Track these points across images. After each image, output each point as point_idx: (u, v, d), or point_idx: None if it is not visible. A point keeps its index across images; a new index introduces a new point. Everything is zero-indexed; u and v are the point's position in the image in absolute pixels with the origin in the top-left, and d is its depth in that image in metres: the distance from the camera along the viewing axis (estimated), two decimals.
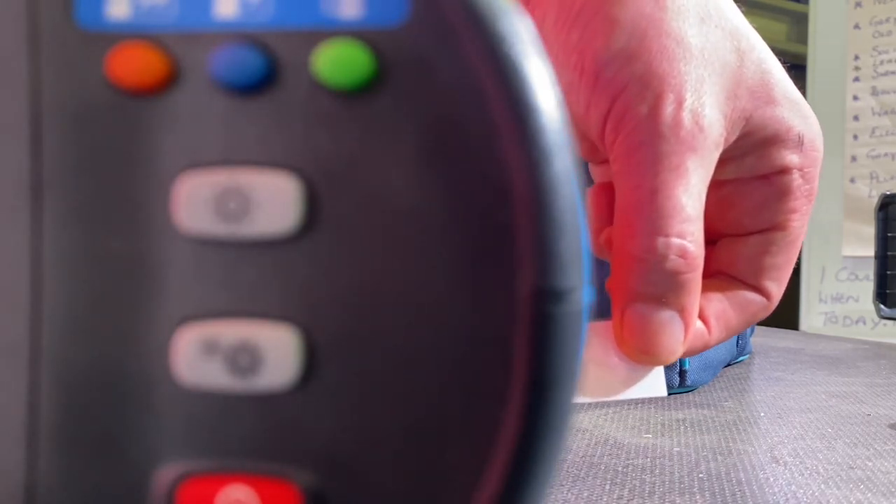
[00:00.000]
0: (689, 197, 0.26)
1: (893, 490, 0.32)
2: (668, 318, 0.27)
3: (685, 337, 0.28)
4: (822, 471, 0.34)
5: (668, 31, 0.27)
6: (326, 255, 0.15)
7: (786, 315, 2.08)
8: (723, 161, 0.28)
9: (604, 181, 0.33)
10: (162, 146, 0.15)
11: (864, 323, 2.16)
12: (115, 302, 0.15)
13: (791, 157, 0.30)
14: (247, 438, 0.15)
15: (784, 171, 0.30)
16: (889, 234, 0.76)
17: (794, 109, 0.29)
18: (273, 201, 0.15)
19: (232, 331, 0.15)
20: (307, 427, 0.15)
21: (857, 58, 2.30)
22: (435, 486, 0.15)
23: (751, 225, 0.30)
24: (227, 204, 0.15)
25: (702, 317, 0.29)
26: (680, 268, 0.26)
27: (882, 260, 0.76)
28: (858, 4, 2.33)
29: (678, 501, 0.30)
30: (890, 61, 2.27)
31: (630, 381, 0.29)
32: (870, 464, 0.35)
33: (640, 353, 0.28)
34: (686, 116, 0.26)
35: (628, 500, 0.30)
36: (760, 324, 0.75)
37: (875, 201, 0.77)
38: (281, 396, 0.15)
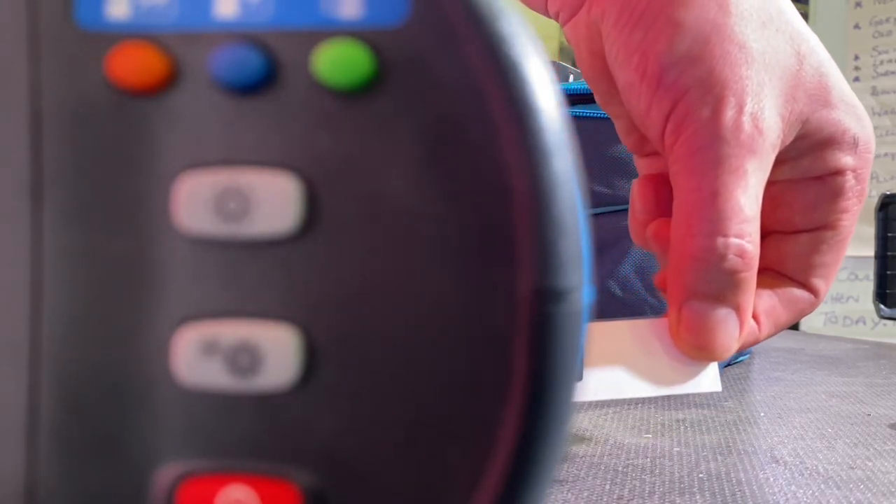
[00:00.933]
0: (747, 198, 0.27)
1: (893, 490, 0.32)
2: (724, 316, 0.28)
3: (740, 333, 0.29)
4: (822, 471, 0.34)
5: (730, 36, 0.28)
6: (326, 255, 0.15)
7: None
8: (778, 162, 0.29)
9: (650, 173, 0.34)
10: (162, 146, 0.15)
11: (864, 323, 2.16)
12: (115, 302, 0.15)
13: (846, 159, 0.30)
14: (247, 438, 0.15)
15: (838, 172, 0.30)
16: (889, 234, 0.76)
17: (849, 112, 0.30)
18: (273, 201, 0.15)
19: (232, 331, 0.15)
20: (307, 427, 0.15)
21: (857, 58, 2.30)
22: (435, 486, 0.15)
23: (801, 223, 0.31)
24: (227, 204, 0.15)
25: (752, 313, 0.30)
26: (738, 267, 0.27)
27: (882, 260, 0.76)
28: (858, 4, 2.33)
29: (678, 501, 0.30)
30: (890, 61, 2.27)
31: (684, 377, 0.30)
32: (870, 464, 0.35)
33: (697, 349, 0.29)
34: (746, 120, 0.27)
35: (628, 500, 0.30)
36: None
37: (875, 201, 0.77)
38: (281, 396, 0.15)
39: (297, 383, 0.15)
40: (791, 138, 0.29)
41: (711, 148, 0.27)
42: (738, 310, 0.28)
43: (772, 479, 0.33)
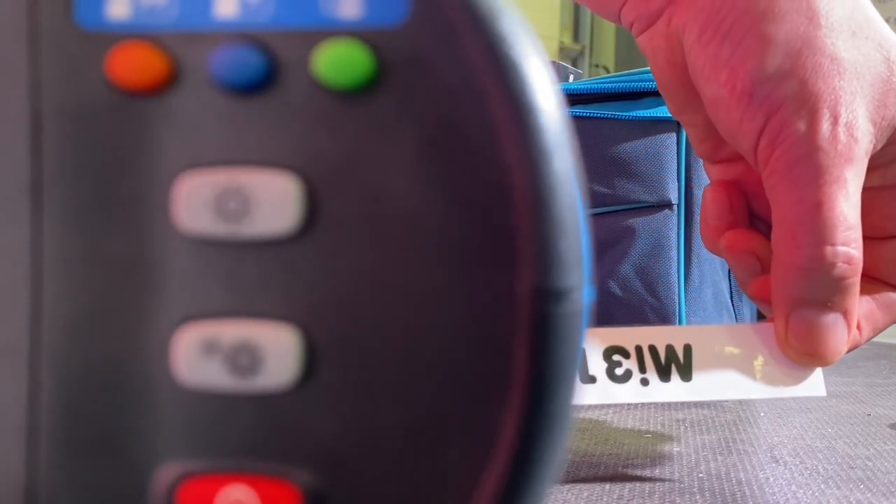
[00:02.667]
0: (849, 206, 0.28)
1: (893, 490, 0.32)
2: (832, 321, 0.29)
3: (848, 337, 0.29)
4: (822, 471, 0.34)
5: (822, 49, 0.28)
6: (326, 255, 0.15)
7: None
8: (869, 169, 0.30)
9: (722, 179, 0.34)
10: (162, 146, 0.15)
11: None
12: (115, 302, 0.15)
13: None
14: (247, 438, 0.15)
15: None
16: None
17: None
18: (273, 201, 0.15)
19: (232, 331, 0.15)
20: (307, 427, 0.15)
21: None
22: (435, 486, 0.15)
23: (893, 229, 0.32)
24: (227, 204, 0.15)
25: None
26: (846, 273, 0.28)
27: None
28: None
29: (678, 501, 0.30)
30: None
31: (791, 380, 0.31)
32: (870, 464, 0.35)
33: (807, 355, 0.30)
34: (841, 131, 0.28)
35: (628, 500, 0.30)
36: None
37: None
38: (281, 396, 0.15)
39: (297, 383, 0.15)
40: (882, 144, 0.30)
41: (810, 159, 0.28)
42: (846, 314, 0.29)
43: (772, 479, 0.33)
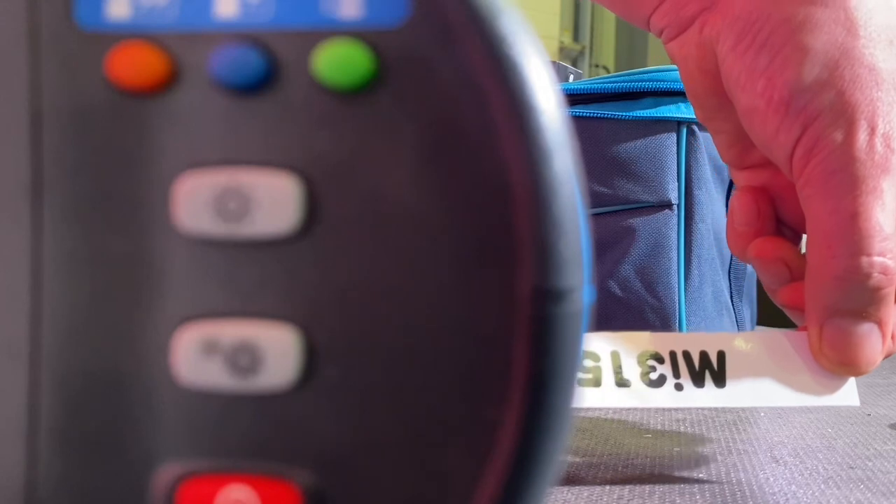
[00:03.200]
0: (885, 216, 0.28)
1: (893, 490, 0.32)
2: (868, 331, 0.29)
3: (883, 347, 0.30)
4: (822, 471, 0.34)
5: (859, 59, 0.28)
6: (326, 255, 0.15)
7: (785, 315, 2.08)
8: None
9: (750, 185, 0.34)
10: (162, 146, 0.15)
11: None
12: (115, 302, 0.15)
13: None
14: (247, 438, 0.15)
15: None
16: None
17: None
18: (273, 201, 0.15)
19: (232, 331, 0.15)
20: (307, 427, 0.15)
21: None
22: (435, 486, 0.15)
23: None
24: (227, 204, 0.15)
25: None
26: (882, 283, 0.28)
27: None
28: None
29: (678, 501, 0.30)
30: None
31: (824, 389, 0.31)
32: (870, 464, 0.35)
33: (841, 364, 0.30)
34: (879, 142, 0.28)
35: (628, 500, 0.30)
36: (760, 324, 0.75)
37: None
38: (281, 396, 0.15)
39: (297, 383, 0.15)
40: None
41: (846, 170, 0.28)
42: (880, 324, 0.29)
43: (772, 479, 0.33)
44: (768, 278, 0.33)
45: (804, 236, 0.35)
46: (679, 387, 0.31)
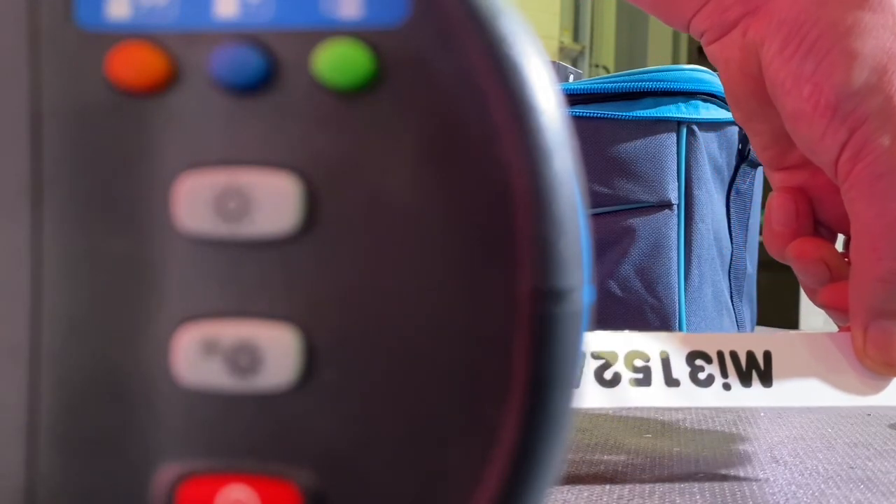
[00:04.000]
0: None
1: (893, 490, 0.32)
2: None
3: None
4: (822, 471, 0.34)
5: None
6: (326, 255, 0.15)
7: (786, 315, 2.08)
8: None
9: (787, 186, 0.35)
10: (162, 146, 0.15)
11: None
12: (115, 302, 0.15)
13: None
14: (247, 438, 0.15)
15: None
16: None
17: None
18: (273, 201, 0.15)
19: (232, 331, 0.15)
20: (307, 427, 0.15)
21: None
22: (435, 486, 0.15)
23: None
24: (227, 204, 0.15)
25: None
26: None
27: None
28: None
29: (678, 501, 0.30)
30: None
31: (870, 389, 0.31)
32: (870, 464, 0.35)
33: (885, 365, 0.30)
34: None
35: (628, 500, 0.30)
36: (760, 324, 0.75)
37: None
38: (281, 396, 0.15)
39: (297, 383, 0.15)
40: None
41: (893, 174, 0.28)
42: None
43: (772, 479, 0.33)
44: (808, 279, 0.34)
45: (840, 235, 0.35)
46: (727, 386, 0.31)
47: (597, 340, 0.31)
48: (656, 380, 0.31)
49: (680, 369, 0.31)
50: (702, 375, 0.31)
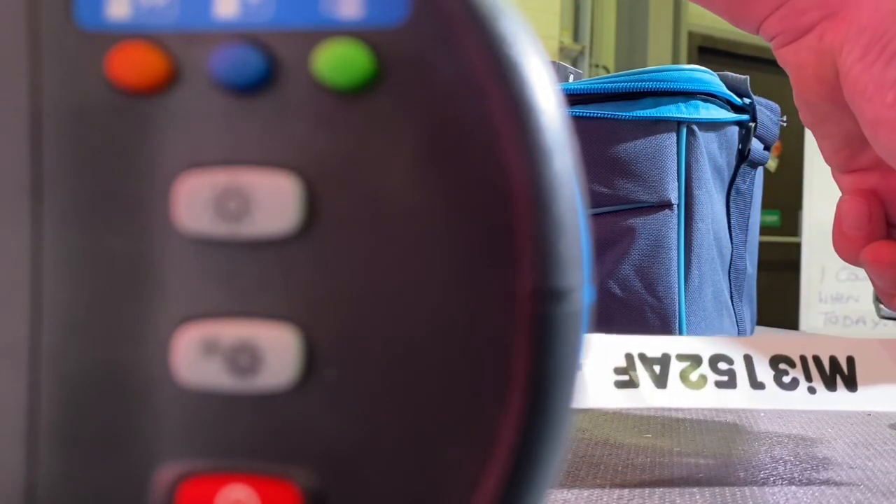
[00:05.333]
0: None
1: (893, 490, 0.32)
2: None
3: None
4: (822, 471, 0.34)
5: None
6: (326, 255, 0.15)
7: (786, 315, 2.08)
8: None
9: (858, 188, 0.35)
10: (162, 146, 0.15)
11: (864, 323, 2.16)
12: (115, 302, 0.15)
13: None
14: (247, 438, 0.15)
15: None
16: None
17: None
18: (273, 201, 0.15)
19: (232, 331, 0.15)
20: (307, 427, 0.15)
21: None
22: (435, 486, 0.15)
23: None
24: (227, 204, 0.15)
25: None
26: None
27: None
28: None
29: (678, 501, 0.30)
30: None
31: None
32: (870, 464, 0.35)
33: None
34: None
35: (628, 500, 0.30)
36: (760, 324, 0.75)
37: None
38: (281, 396, 0.15)
39: (297, 383, 0.15)
40: None
41: None
42: None
43: (772, 479, 0.33)
44: (884, 283, 0.34)
45: None
46: (812, 390, 0.32)
47: (682, 343, 0.32)
48: (741, 383, 0.31)
49: (764, 373, 0.31)
50: (786, 379, 0.32)
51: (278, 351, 0.15)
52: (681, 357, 0.31)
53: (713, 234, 0.63)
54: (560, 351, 0.15)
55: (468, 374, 0.14)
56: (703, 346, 0.32)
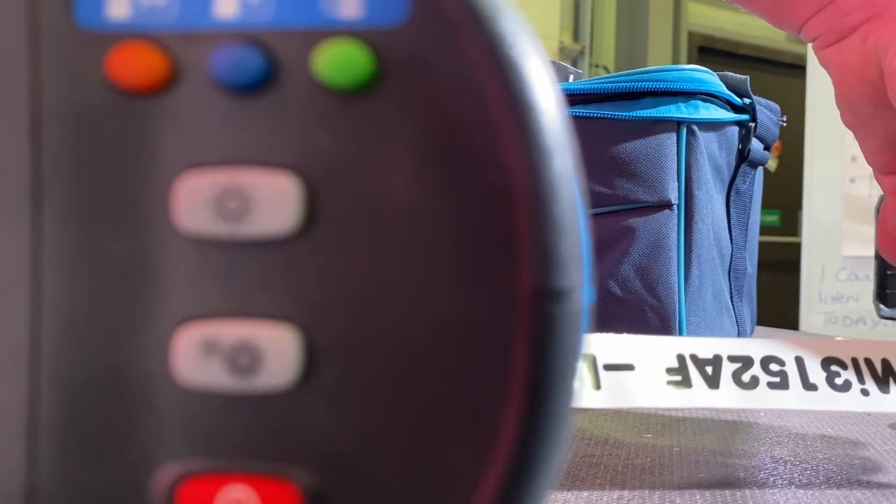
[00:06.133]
0: None
1: (894, 490, 0.32)
2: None
3: None
4: (822, 471, 0.34)
5: None
6: (326, 255, 0.15)
7: (786, 315, 2.08)
8: None
9: None
10: (162, 146, 0.15)
11: (864, 323, 2.16)
12: (115, 302, 0.15)
13: None
14: (247, 438, 0.15)
15: None
16: None
17: None
18: (273, 201, 0.15)
19: (232, 331, 0.15)
20: (307, 427, 0.15)
21: None
22: (435, 486, 0.15)
23: None
24: (227, 204, 0.15)
25: None
26: None
27: (882, 260, 0.76)
28: None
29: (678, 501, 0.30)
30: None
31: None
32: (870, 464, 0.35)
33: None
34: None
35: (628, 500, 0.30)
36: (760, 324, 0.75)
37: (875, 201, 0.77)
38: (281, 396, 0.15)
39: (297, 383, 0.15)
40: None
41: None
42: None
43: (772, 479, 0.33)
44: None
45: None
46: (865, 392, 0.32)
47: (733, 345, 0.32)
48: (794, 384, 0.31)
49: (816, 374, 0.32)
50: (838, 381, 0.32)
51: (278, 351, 0.15)
52: (732, 358, 0.31)
53: (713, 234, 0.63)
54: (560, 351, 0.15)
55: (468, 374, 0.14)
56: (755, 347, 0.32)
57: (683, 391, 0.31)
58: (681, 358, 0.32)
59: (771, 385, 0.31)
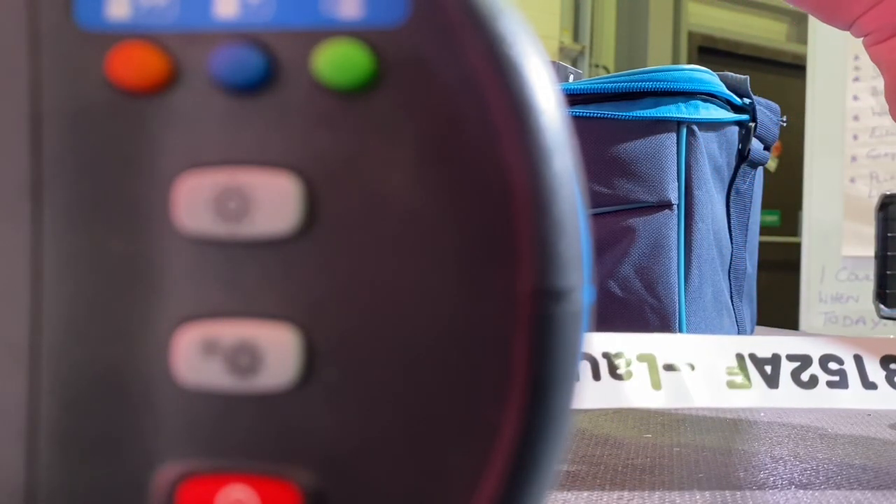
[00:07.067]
0: None
1: (894, 490, 0.32)
2: None
3: None
4: (822, 471, 0.34)
5: None
6: (326, 255, 0.15)
7: (786, 315, 2.08)
8: None
9: None
10: (162, 146, 0.15)
11: (864, 323, 2.16)
12: (115, 302, 0.15)
13: None
14: (247, 438, 0.15)
15: None
16: (889, 234, 0.76)
17: None
18: (273, 201, 0.15)
19: (232, 331, 0.15)
20: (307, 427, 0.15)
21: (856, 58, 2.30)
22: (434, 486, 0.15)
23: None
24: (227, 204, 0.15)
25: None
26: None
27: (882, 260, 0.76)
28: None
29: (678, 501, 0.30)
30: None
31: None
32: (870, 464, 0.35)
33: None
34: None
35: (628, 501, 0.30)
36: (760, 324, 0.75)
37: (875, 201, 0.77)
38: (281, 396, 0.15)
39: (297, 383, 0.15)
40: None
41: None
42: None
43: (772, 479, 0.33)
44: None
45: None
46: None
47: (791, 343, 0.32)
48: (853, 383, 0.31)
49: (875, 373, 0.32)
50: None
51: (278, 351, 0.15)
52: (791, 357, 0.31)
53: (713, 234, 0.63)
54: (560, 351, 0.15)
55: (468, 374, 0.14)
56: (812, 346, 0.32)
57: (743, 391, 0.31)
58: (740, 357, 0.32)
59: (830, 384, 0.31)
